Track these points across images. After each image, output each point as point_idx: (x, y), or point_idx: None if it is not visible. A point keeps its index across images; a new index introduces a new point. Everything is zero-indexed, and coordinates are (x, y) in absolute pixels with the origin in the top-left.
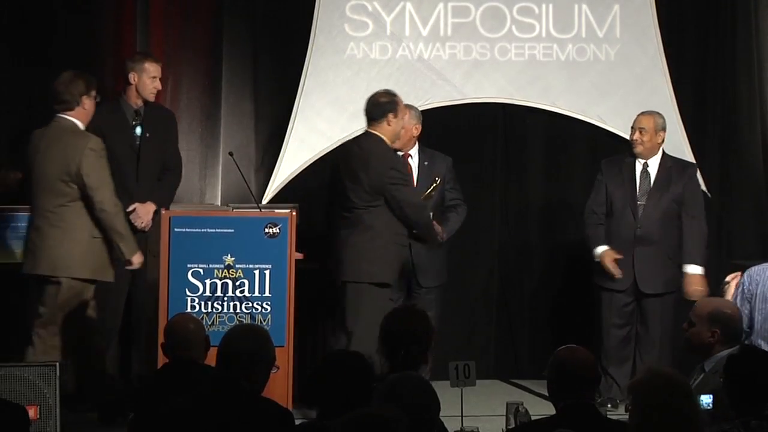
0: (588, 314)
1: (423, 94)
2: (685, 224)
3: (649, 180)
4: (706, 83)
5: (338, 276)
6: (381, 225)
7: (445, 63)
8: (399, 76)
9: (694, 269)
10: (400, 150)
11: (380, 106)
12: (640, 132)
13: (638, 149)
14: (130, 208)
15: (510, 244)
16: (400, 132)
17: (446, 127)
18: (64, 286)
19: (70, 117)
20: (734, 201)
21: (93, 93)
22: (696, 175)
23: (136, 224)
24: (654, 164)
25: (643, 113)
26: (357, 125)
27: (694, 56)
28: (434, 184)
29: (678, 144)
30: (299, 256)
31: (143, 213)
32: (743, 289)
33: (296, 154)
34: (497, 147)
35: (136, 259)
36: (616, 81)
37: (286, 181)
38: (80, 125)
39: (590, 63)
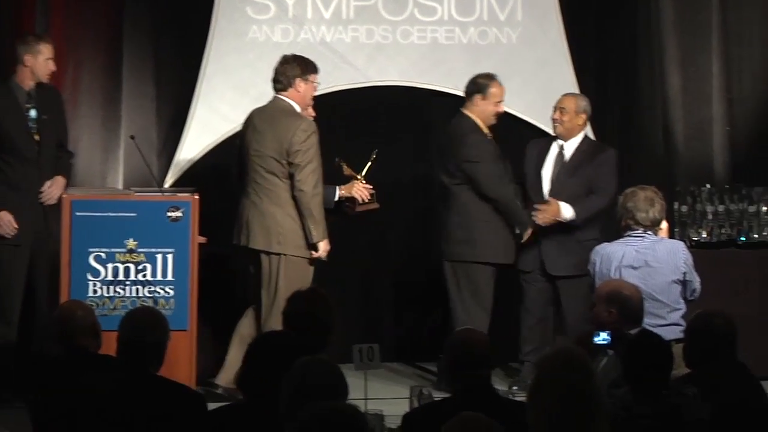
0: (498, 297)
1: (326, 77)
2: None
3: (563, 163)
4: (607, 66)
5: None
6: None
7: (348, 46)
8: None
9: (566, 208)
10: None
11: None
12: (561, 112)
13: (557, 129)
14: (45, 186)
15: (417, 224)
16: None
17: (351, 110)
18: (283, 262)
19: (285, 98)
20: (634, 185)
21: (311, 77)
22: (611, 158)
23: (46, 202)
24: (571, 147)
25: (566, 94)
26: None
27: (596, 39)
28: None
29: None
30: (202, 239)
31: (57, 189)
32: (594, 270)
33: (198, 138)
34: (403, 130)
35: (323, 246)
36: (518, 64)
37: (189, 165)
38: (296, 106)
39: (492, 46)
